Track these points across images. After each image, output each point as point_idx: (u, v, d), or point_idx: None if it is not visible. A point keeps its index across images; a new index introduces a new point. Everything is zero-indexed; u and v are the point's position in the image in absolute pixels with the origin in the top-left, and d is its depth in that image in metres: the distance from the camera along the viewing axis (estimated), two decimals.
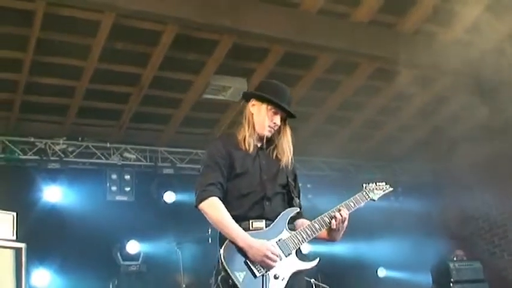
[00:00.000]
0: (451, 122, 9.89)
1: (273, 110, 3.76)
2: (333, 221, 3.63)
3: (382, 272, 11.47)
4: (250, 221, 3.57)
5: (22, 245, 5.32)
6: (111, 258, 9.25)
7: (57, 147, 8.80)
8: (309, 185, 10.43)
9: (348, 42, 7.99)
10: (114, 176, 9.24)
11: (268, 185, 3.69)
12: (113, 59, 7.90)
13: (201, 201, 3.55)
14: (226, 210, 3.52)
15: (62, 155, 8.82)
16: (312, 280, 8.08)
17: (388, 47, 8.16)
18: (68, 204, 8.83)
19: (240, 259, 3.40)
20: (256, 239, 3.45)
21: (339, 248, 10.99)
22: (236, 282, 3.31)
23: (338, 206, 3.71)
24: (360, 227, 10.25)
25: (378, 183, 4.04)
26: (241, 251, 3.41)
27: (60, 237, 8.42)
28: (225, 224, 3.48)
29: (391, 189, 4.09)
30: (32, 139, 8.72)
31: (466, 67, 7.62)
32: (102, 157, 9.18)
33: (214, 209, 3.52)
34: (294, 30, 7.67)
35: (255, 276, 3.37)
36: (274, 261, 3.42)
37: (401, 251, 10.67)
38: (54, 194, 8.75)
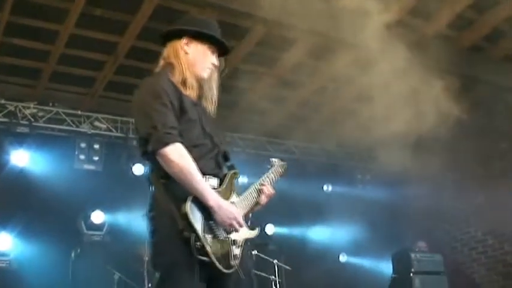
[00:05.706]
0: (425, 118, 9.92)
1: (211, 49, 3.36)
2: (263, 197, 3.39)
3: (343, 258, 11.60)
4: (206, 177, 3.08)
5: None
6: (75, 227, 9.23)
7: (27, 111, 8.63)
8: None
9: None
10: (83, 145, 9.06)
11: (216, 139, 3.27)
12: (90, 25, 7.76)
13: (165, 145, 2.93)
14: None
15: (32, 119, 8.65)
16: (275, 261, 8.14)
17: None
18: (35, 169, 8.73)
19: (202, 220, 2.96)
20: (224, 200, 3.07)
21: (303, 231, 11.10)
22: (206, 246, 2.90)
23: (260, 181, 3.46)
24: (325, 212, 10.51)
25: (275, 159, 3.75)
26: (206, 210, 2.97)
27: (24, 202, 8.36)
28: (194, 177, 2.94)
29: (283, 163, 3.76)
30: (3, 101, 8.53)
31: None
32: (73, 124, 9.02)
33: (183, 157, 2.95)
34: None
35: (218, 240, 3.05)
36: (242, 226, 3.09)
37: (365, 238, 10.81)
38: (21, 158, 8.60)
